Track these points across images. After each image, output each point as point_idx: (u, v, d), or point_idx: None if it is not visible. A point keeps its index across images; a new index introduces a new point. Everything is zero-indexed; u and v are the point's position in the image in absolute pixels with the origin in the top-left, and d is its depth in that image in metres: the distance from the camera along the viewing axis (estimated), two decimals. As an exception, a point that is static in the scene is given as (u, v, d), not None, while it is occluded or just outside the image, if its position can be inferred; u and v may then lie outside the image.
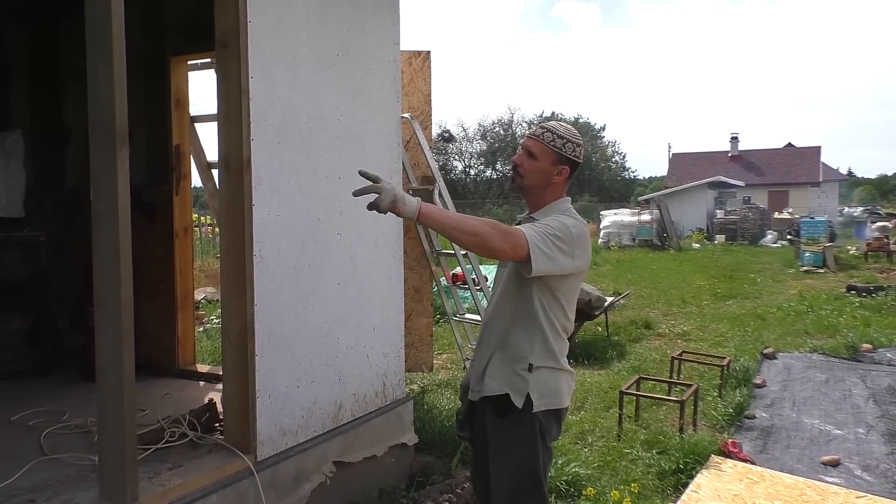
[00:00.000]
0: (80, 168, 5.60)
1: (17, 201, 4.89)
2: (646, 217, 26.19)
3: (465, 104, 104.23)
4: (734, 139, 48.64)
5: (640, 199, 33.95)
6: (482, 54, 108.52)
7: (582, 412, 5.58)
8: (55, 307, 5.30)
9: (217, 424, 3.72)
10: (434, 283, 5.19)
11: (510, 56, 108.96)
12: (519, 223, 2.67)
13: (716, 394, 6.12)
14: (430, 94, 4.94)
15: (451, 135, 49.89)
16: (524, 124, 54.33)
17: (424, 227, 5.04)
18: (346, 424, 3.95)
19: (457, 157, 53.44)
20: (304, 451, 3.59)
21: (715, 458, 4.47)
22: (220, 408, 3.72)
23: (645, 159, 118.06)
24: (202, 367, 5.26)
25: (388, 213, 2.24)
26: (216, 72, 3.35)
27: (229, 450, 3.33)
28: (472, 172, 54.16)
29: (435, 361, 6.57)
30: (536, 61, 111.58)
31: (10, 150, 4.83)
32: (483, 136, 53.13)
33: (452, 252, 4.90)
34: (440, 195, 4.79)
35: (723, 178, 35.38)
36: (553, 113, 56.11)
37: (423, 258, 5.05)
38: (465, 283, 5.63)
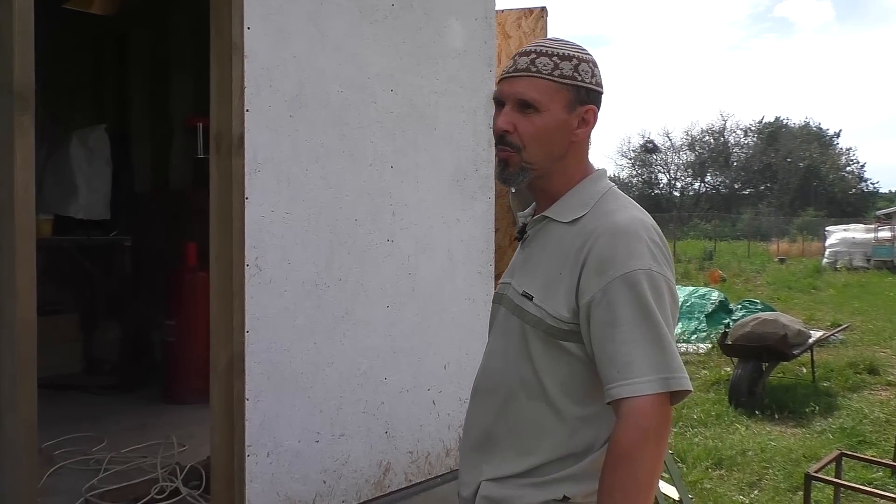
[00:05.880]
0: (183, 169, 5.25)
1: (101, 202, 4.55)
2: (885, 234, 22.30)
3: (672, 111, 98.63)
4: None
5: (878, 213, 29.12)
6: (696, 58, 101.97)
7: (755, 491, 4.10)
8: (145, 319, 4.92)
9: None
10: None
11: (727, 60, 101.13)
12: (523, 233, 1.53)
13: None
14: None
15: (654, 145, 47.14)
16: (738, 132, 49.88)
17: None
18: (394, 493, 2.99)
19: (661, 168, 50.40)
20: (321, 530, 2.70)
21: None
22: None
23: (891, 170, 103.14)
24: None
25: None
26: (211, 26, 2.59)
27: (213, 522, 2.52)
28: (679, 185, 50.84)
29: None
30: (758, 65, 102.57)
31: (94, 146, 4.50)
32: (691, 146, 49.60)
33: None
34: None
35: None
36: (776, 118, 50.99)
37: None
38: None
